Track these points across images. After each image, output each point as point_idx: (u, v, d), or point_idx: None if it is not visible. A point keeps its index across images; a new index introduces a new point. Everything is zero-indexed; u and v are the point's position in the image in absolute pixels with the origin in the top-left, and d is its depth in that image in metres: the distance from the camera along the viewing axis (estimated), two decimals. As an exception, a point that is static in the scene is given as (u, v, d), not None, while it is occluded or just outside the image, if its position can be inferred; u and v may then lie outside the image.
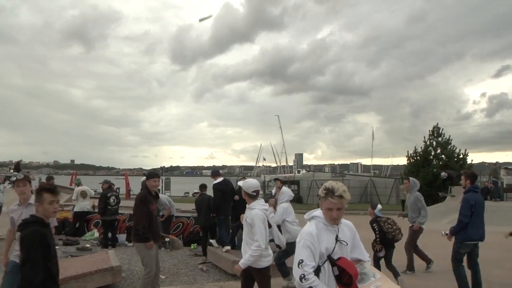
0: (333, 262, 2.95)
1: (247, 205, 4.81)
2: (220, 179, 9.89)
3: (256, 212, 4.64)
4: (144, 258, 6.04)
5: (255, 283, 4.79)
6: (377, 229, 7.10)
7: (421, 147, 28.21)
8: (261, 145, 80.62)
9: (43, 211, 3.63)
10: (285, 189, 8.09)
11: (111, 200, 11.52)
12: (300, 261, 2.89)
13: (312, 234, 2.95)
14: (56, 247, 10.78)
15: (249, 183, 4.86)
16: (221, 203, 9.60)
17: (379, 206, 7.39)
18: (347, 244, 3.05)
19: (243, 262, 4.55)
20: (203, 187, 10.70)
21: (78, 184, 13.12)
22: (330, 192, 2.99)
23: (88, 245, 10.82)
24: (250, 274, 4.70)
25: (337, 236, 3.02)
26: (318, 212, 3.12)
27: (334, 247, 2.98)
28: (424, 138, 28.41)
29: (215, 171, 10.36)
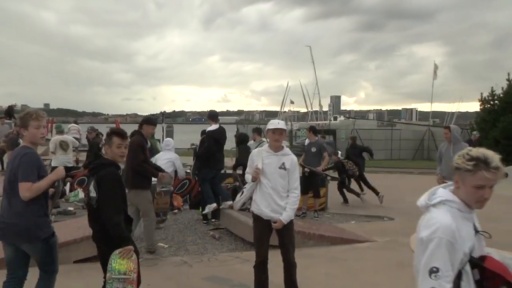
0: (475, 263, 2.54)
1: (271, 149, 5.38)
2: (216, 126, 10.12)
3: (294, 157, 5.41)
4: (143, 205, 7.14)
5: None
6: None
7: (502, 88, 26.31)
8: (288, 84, 79.80)
9: (112, 154, 4.56)
10: None
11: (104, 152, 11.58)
12: (434, 269, 2.45)
13: (452, 229, 2.50)
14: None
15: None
16: (216, 154, 10.04)
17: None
18: (490, 236, 2.67)
19: (286, 217, 5.21)
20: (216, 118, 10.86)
21: (60, 131, 13.20)
22: (482, 162, 2.52)
23: (71, 208, 11.06)
24: (267, 228, 5.32)
25: (474, 225, 2.64)
26: (445, 193, 2.69)
27: (474, 243, 2.59)
28: (509, 75, 26.24)
29: (212, 114, 10.51)
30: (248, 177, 5.44)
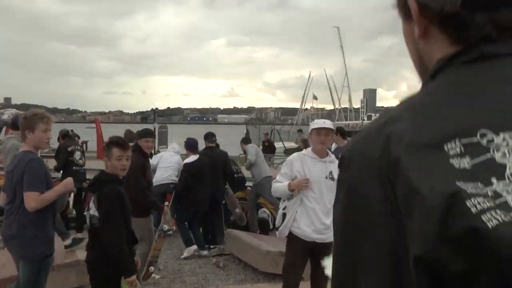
0: None
1: (315, 154, 5.37)
2: (194, 158, 10.13)
3: None
4: (140, 233, 6.91)
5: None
6: None
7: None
8: (310, 75, 78.77)
9: (112, 168, 4.81)
10: None
11: (76, 156, 11.50)
12: None
13: None
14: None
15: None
16: (197, 193, 9.86)
17: None
18: None
19: None
20: (210, 137, 10.79)
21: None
22: None
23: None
24: (304, 253, 5.32)
25: None
26: None
27: None
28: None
29: (190, 144, 10.50)
30: (279, 186, 5.32)
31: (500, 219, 0.96)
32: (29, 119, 5.01)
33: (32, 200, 4.78)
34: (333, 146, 12.21)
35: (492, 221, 0.95)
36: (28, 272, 5.03)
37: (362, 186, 1.13)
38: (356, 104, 66.87)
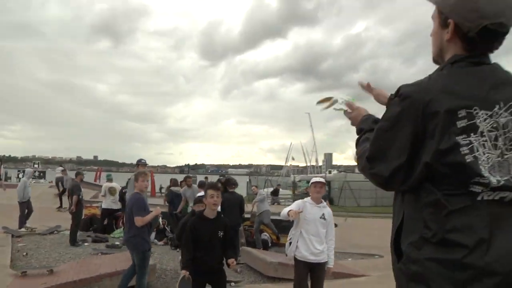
0: None
1: (313, 201, 5.21)
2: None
3: (330, 210, 5.34)
4: None
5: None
6: None
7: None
8: (291, 143, 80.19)
9: (207, 204, 4.63)
10: None
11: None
12: None
13: None
14: (85, 244, 11.02)
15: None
16: None
17: None
18: None
19: (333, 263, 5.22)
20: (231, 184, 10.66)
21: (109, 180, 13.29)
22: None
23: (117, 243, 10.95)
24: (306, 271, 5.14)
25: None
26: None
27: None
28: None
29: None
30: (284, 210, 5.19)
31: (471, 158, 1.45)
32: (136, 174, 6.43)
33: (138, 221, 5.77)
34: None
35: (468, 156, 1.45)
36: (139, 260, 5.89)
37: (414, 112, 1.49)
38: (320, 163, 66.52)
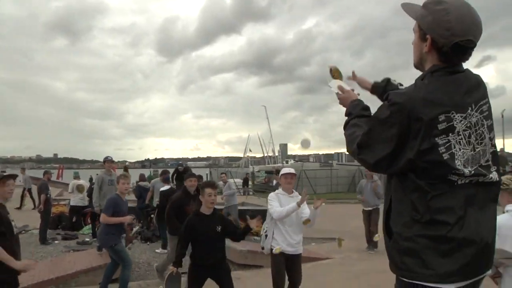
0: None
1: (285, 191, 5.07)
2: (167, 187, 9.86)
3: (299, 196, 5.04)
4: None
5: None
6: None
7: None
8: (249, 135, 79.66)
9: (204, 202, 4.56)
10: None
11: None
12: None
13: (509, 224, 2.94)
14: (56, 241, 10.66)
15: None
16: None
17: None
18: None
19: (312, 215, 4.94)
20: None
21: (77, 177, 12.95)
22: None
23: (87, 239, 10.74)
24: (284, 262, 4.89)
25: None
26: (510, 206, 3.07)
27: None
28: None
29: (166, 179, 10.80)
30: (286, 209, 4.80)
31: (447, 155, 1.68)
32: (118, 177, 6.57)
33: (102, 216, 5.90)
34: (274, 182, 12.37)
35: (444, 155, 1.68)
36: (111, 254, 5.93)
37: (400, 116, 1.69)
38: (276, 153, 66.73)
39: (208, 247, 4.45)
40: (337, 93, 2.24)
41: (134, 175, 14.76)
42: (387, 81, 2.28)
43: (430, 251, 1.68)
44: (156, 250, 9.45)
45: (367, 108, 2.02)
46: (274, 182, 12.48)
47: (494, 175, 1.79)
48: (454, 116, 1.70)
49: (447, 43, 1.72)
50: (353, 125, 1.94)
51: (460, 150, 1.72)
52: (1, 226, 3.63)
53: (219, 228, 4.52)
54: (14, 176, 4.22)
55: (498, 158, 1.89)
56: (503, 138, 30.21)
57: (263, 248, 5.17)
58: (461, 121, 1.72)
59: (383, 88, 2.25)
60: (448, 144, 1.69)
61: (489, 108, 1.82)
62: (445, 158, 1.69)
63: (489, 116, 1.82)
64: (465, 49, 1.74)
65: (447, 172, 1.69)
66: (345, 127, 2.00)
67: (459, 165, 1.70)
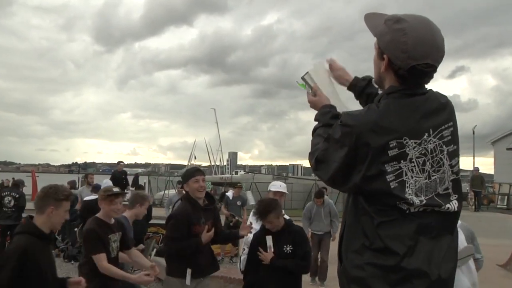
0: None
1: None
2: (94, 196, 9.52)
3: None
4: None
5: None
6: None
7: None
8: (195, 141, 78.78)
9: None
10: None
11: (6, 201, 10.53)
12: None
13: None
14: None
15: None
16: None
17: None
18: None
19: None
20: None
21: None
22: None
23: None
24: None
25: None
26: None
27: None
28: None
29: (97, 186, 10.05)
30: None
31: (395, 184, 1.74)
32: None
33: None
34: (231, 194, 12.00)
35: (392, 183, 1.74)
36: None
37: (348, 139, 1.77)
38: (225, 162, 66.98)
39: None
40: (308, 92, 2.28)
41: (60, 180, 14.11)
42: (369, 81, 2.26)
43: (379, 280, 1.72)
44: None
45: (337, 117, 2.01)
46: (231, 194, 12.22)
47: (452, 205, 1.82)
48: (407, 142, 1.74)
49: (404, 66, 1.76)
50: (319, 135, 1.99)
51: (412, 178, 1.76)
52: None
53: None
54: None
55: (460, 186, 1.92)
56: (473, 156, 31.04)
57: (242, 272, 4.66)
58: (414, 147, 1.76)
59: (362, 88, 2.27)
60: (398, 172, 1.74)
61: (454, 132, 1.85)
62: (392, 186, 1.73)
63: (452, 142, 1.84)
64: (423, 72, 1.77)
65: (394, 201, 1.74)
66: (312, 134, 2.07)
67: (409, 193, 1.74)
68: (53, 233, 4.56)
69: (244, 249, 4.82)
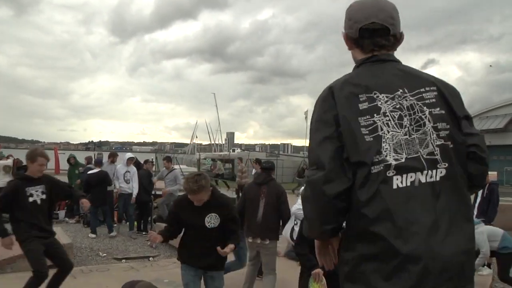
0: None
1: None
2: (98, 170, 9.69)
3: None
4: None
5: None
6: None
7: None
8: (196, 122, 78.43)
9: None
10: None
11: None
12: None
13: None
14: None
15: None
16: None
17: None
18: None
19: None
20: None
21: (1, 157, 12.22)
22: None
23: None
24: None
25: None
26: None
27: None
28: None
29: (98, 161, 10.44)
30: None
31: (371, 138, 1.54)
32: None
33: None
34: (253, 171, 11.92)
35: (367, 137, 1.54)
36: None
37: (326, 99, 1.64)
38: (223, 141, 66.63)
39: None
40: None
41: (78, 156, 14.28)
42: None
43: (369, 273, 1.48)
44: (90, 235, 9.25)
45: None
46: (254, 171, 12.11)
47: (439, 172, 1.52)
48: (377, 96, 1.59)
49: (354, 32, 1.73)
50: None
51: (388, 132, 1.54)
52: None
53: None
54: None
55: (455, 155, 1.57)
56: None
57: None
58: (387, 101, 1.58)
59: None
60: (373, 126, 1.54)
61: (441, 98, 1.62)
62: (367, 140, 1.52)
63: (437, 105, 1.60)
64: (373, 31, 1.70)
65: (371, 156, 1.50)
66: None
67: (386, 148, 1.51)
68: None
69: (296, 222, 5.08)
